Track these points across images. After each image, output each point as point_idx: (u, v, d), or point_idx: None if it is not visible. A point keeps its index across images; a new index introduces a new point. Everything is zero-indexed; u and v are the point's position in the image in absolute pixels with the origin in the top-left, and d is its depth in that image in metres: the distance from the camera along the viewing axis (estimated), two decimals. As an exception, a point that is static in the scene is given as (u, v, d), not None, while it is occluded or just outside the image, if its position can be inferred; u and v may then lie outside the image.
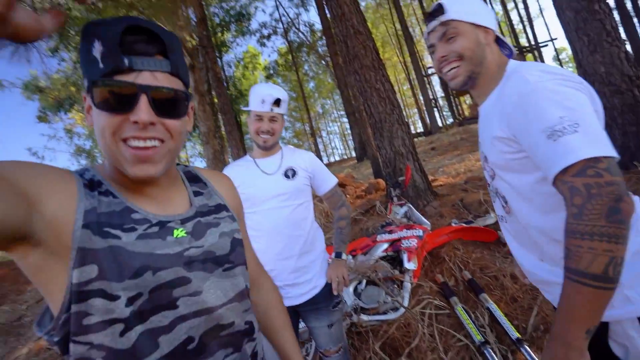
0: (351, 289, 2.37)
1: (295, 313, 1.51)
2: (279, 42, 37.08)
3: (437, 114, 20.14)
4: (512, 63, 0.88)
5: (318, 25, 19.37)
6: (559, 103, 0.68)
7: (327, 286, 1.48)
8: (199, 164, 39.68)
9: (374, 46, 4.03)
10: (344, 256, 1.50)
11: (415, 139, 16.21)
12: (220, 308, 0.60)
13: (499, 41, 0.92)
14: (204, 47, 7.98)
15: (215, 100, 12.49)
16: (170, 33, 0.56)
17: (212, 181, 0.73)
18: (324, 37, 14.70)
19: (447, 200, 3.76)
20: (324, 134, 46.45)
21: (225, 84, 10.23)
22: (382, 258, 2.50)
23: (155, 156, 0.54)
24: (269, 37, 17.97)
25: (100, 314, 0.49)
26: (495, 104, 0.84)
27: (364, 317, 2.31)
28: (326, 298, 1.48)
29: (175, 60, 0.55)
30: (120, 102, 0.51)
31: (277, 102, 1.41)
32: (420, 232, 2.51)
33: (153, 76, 0.52)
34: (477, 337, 1.94)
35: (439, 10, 0.88)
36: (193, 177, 0.71)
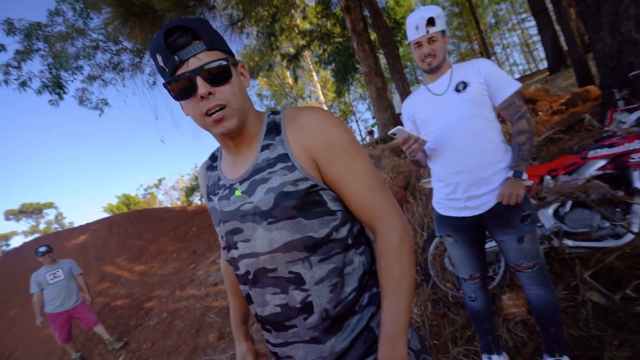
0: (550, 211, 2.09)
1: (481, 228, 1.49)
2: (435, -51, 31.46)
3: None
4: None
5: None
6: None
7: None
8: (361, 106, 41.18)
9: None
10: (524, 175, 1.32)
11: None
12: (265, 255, 0.69)
13: None
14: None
15: (373, 36, 12.27)
16: (196, 19, 0.67)
17: (288, 127, 0.72)
18: None
19: None
20: (497, 49, 37.63)
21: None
22: (596, 177, 2.02)
23: (226, 116, 0.67)
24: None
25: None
26: None
27: (569, 242, 2.02)
28: (511, 211, 1.37)
29: (208, 38, 0.67)
30: (187, 90, 0.66)
31: (431, 21, 1.37)
32: (667, 143, 1.85)
33: (197, 59, 0.65)
34: None
35: None
36: (273, 128, 0.74)
